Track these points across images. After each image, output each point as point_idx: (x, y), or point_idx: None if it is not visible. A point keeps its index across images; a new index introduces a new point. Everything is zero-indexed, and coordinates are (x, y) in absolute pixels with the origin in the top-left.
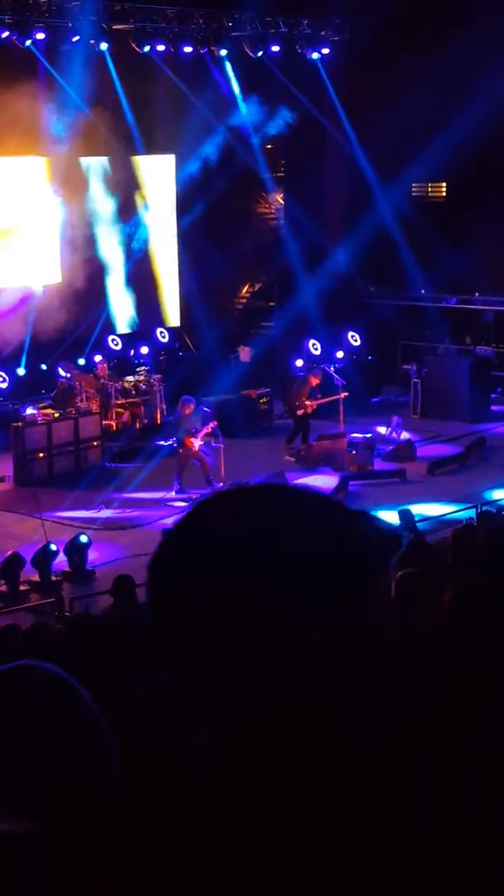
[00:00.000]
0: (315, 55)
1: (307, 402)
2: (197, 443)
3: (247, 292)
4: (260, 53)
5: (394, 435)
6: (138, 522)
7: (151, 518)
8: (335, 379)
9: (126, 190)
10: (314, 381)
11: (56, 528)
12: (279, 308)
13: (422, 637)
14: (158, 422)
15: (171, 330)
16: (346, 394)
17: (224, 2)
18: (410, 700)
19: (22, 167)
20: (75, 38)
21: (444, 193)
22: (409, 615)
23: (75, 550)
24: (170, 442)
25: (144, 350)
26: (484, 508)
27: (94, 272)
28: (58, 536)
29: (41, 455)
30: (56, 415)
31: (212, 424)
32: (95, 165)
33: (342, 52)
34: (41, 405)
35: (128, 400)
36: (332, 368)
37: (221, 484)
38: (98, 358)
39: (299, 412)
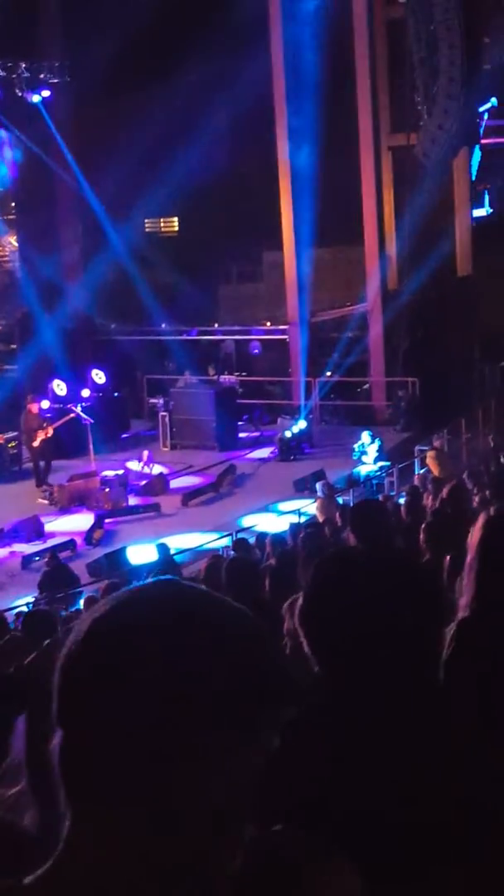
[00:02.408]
0: (36, 98)
1: (38, 432)
2: None
3: None
4: None
5: (146, 469)
6: None
7: None
8: (83, 419)
9: None
10: (34, 409)
11: None
12: (21, 350)
13: None
14: None
15: None
16: (77, 410)
17: None
18: None
19: None
20: None
21: (175, 228)
22: None
23: None
24: None
25: None
26: (239, 535)
27: None
28: None
29: None
30: None
31: None
32: None
33: (65, 94)
34: None
35: None
36: (78, 407)
37: None
38: None
39: (35, 443)
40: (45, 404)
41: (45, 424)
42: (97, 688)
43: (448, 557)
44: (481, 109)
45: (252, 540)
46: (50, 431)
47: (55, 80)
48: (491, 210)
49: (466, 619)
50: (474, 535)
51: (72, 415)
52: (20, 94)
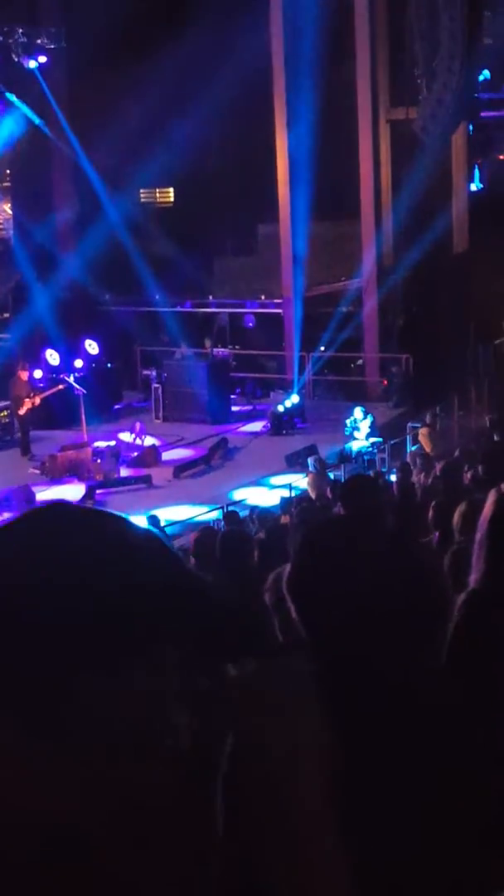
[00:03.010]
0: (33, 63)
1: (26, 400)
2: None
3: None
4: None
5: (137, 441)
6: None
7: None
8: (75, 390)
9: None
10: (23, 376)
11: None
12: (14, 319)
13: None
14: None
15: None
16: (69, 380)
17: None
18: None
19: None
20: None
21: (171, 199)
22: None
23: None
24: None
25: None
26: (230, 508)
27: None
28: None
29: None
30: None
31: None
32: None
33: (61, 60)
34: None
35: None
36: (71, 377)
37: None
38: None
39: (21, 411)
40: (38, 374)
41: (32, 394)
42: None
43: (437, 533)
44: None
45: (244, 513)
46: (37, 401)
47: (52, 46)
48: (482, 185)
49: (475, 593)
50: (485, 511)
51: (61, 385)
52: (17, 60)
